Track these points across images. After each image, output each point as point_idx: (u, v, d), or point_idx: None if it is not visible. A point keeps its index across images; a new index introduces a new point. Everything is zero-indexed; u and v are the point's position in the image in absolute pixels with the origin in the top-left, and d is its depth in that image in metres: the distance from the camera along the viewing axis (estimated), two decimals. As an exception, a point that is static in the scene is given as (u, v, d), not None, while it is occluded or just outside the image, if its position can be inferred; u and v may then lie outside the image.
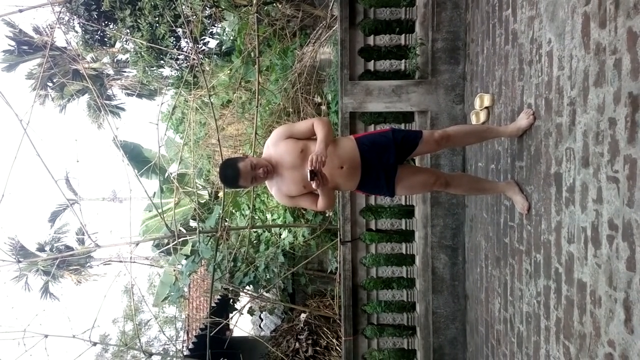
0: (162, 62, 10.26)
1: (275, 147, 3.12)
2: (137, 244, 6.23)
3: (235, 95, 9.02)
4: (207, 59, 10.17)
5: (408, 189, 3.50)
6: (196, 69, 7.40)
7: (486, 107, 4.08)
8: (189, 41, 9.37)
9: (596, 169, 2.29)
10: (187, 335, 11.94)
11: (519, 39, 3.33)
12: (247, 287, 8.11)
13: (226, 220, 8.52)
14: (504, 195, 3.56)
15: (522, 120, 3.17)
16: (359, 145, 3.19)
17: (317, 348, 7.95)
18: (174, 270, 9.23)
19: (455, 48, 4.74)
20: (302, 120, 6.49)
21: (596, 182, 2.29)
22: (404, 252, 5.10)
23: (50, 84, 13.49)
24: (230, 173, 2.98)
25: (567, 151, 2.59)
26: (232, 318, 7.56)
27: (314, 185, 2.86)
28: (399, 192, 3.36)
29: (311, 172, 2.79)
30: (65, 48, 11.81)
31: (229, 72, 9.25)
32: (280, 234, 8.41)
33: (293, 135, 3.14)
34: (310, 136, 3.16)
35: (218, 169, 3.13)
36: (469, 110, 4.51)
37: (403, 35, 4.91)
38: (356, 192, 3.61)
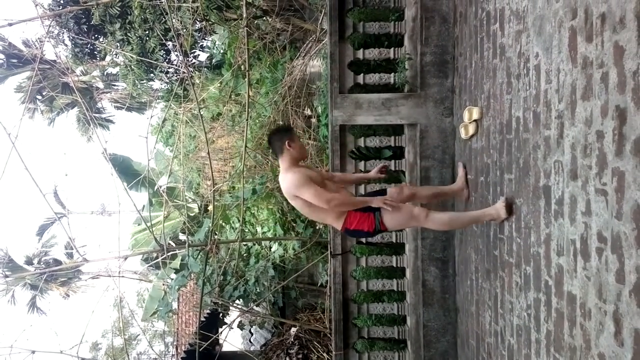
0: (152, 75, 10.24)
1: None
2: (126, 258, 6.17)
3: (225, 108, 9.03)
4: (197, 72, 10.18)
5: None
6: (186, 82, 7.40)
7: (475, 120, 4.10)
8: (179, 54, 9.37)
9: (584, 181, 2.30)
10: (176, 350, 11.82)
11: (507, 52, 3.36)
12: (237, 301, 8.05)
13: (216, 234, 8.47)
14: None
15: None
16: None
17: (308, 362, 7.88)
18: (163, 284, 9.14)
19: (444, 62, 4.77)
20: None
21: (585, 195, 2.30)
22: (394, 265, 5.09)
23: (40, 97, 13.39)
24: (286, 125, 3.57)
25: (555, 164, 2.61)
26: (221, 332, 7.48)
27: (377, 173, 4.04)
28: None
29: (383, 167, 4.06)
30: (54, 61, 11.74)
31: (219, 85, 9.26)
32: (271, 247, 8.37)
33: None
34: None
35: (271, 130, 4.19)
36: (457, 123, 4.54)
37: (392, 49, 4.95)
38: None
